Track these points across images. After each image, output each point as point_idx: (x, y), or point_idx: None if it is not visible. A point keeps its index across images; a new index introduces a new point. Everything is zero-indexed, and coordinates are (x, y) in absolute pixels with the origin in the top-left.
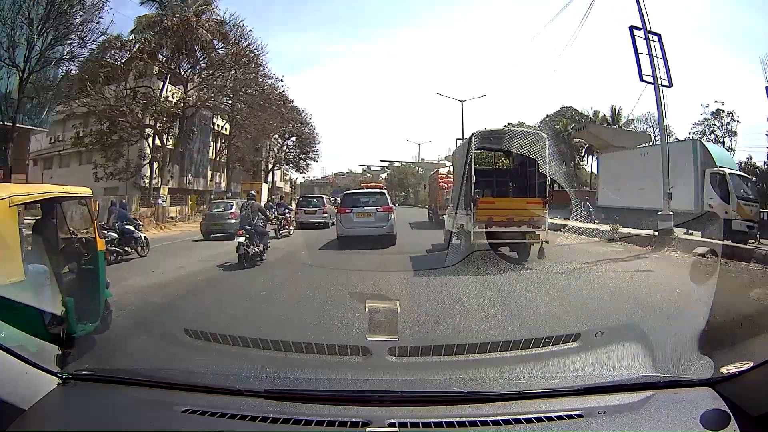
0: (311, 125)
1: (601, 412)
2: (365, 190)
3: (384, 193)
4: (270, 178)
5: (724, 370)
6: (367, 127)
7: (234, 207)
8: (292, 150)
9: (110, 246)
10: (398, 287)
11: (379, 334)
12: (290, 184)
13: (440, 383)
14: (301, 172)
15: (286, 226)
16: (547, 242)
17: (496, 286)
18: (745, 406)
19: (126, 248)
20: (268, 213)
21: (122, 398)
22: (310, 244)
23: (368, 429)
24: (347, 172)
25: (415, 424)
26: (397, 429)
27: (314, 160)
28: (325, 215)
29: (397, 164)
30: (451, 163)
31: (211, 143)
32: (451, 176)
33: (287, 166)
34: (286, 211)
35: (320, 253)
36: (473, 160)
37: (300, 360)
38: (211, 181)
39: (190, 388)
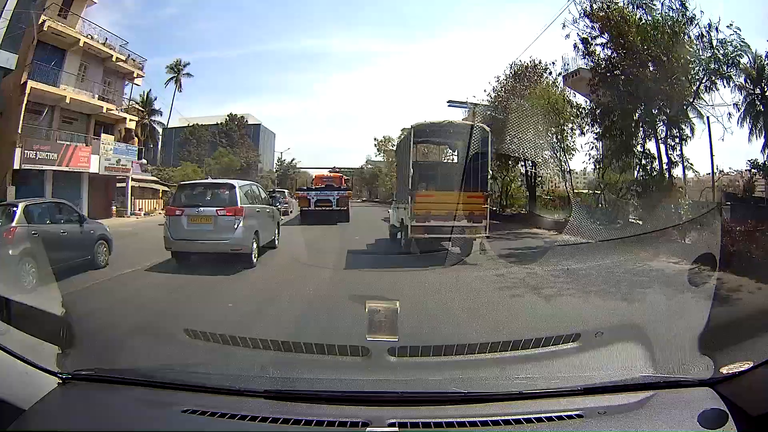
0: None
1: (601, 412)
2: (204, 181)
3: (234, 187)
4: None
5: (724, 370)
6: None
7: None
8: None
9: None
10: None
11: (378, 335)
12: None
13: (440, 383)
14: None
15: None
16: (487, 237)
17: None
18: (745, 406)
19: None
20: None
21: (122, 398)
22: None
23: (368, 429)
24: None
25: (415, 424)
26: (397, 429)
27: None
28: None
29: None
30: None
31: None
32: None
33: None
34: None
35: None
36: (412, 153)
37: (300, 360)
38: None
39: (190, 388)
